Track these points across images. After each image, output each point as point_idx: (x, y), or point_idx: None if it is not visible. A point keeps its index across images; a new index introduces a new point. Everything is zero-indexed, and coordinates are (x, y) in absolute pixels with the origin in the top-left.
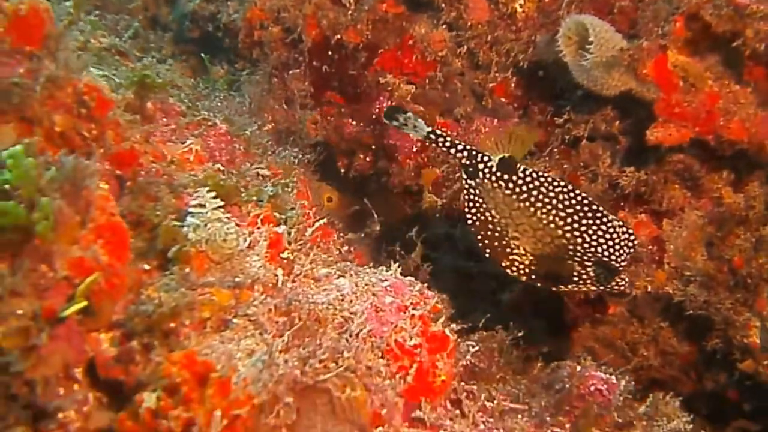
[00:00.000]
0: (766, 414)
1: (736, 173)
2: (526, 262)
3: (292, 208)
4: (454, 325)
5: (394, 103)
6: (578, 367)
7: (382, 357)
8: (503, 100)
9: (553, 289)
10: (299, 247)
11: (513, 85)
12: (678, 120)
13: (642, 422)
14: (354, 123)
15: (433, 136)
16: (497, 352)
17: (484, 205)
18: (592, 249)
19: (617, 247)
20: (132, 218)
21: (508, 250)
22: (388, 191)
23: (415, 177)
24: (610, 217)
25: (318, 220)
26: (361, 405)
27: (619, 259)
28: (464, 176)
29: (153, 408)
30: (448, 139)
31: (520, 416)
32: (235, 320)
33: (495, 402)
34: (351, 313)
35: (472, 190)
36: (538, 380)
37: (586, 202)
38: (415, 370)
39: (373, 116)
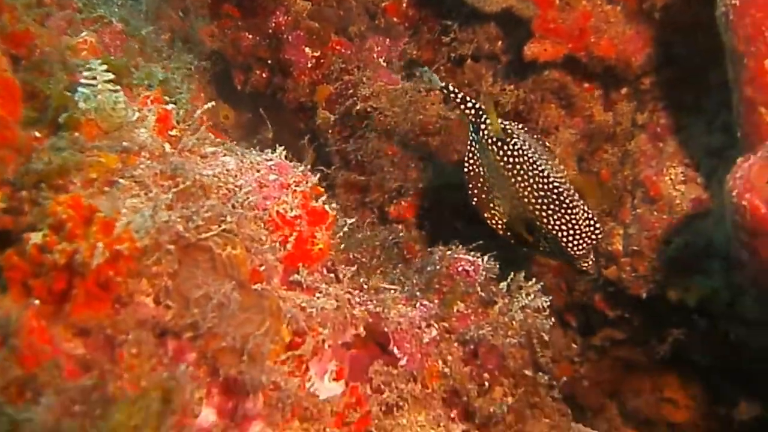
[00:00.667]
0: (629, 322)
1: (606, 90)
2: (503, 220)
3: (181, 93)
4: (335, 204)
5: (290, 19)
6: (448, 251)
7: (264, 227)
8: (395, 19)
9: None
10: (187, 126)
11: (404, 4)
12: (553, 36)
13: (504, 299)
14: (251, 37)
15: (446, 91)
16: (379, 249)
17: (479, 161)
18: (554, 233)
19: (577, 237)
20: (25, 90)
21: (491, 204)
22: (283, 108)
23: (309, 94)
24: (578, 210)
25: (207, 103)
26: (240, 262)
27: (576, 249)
28: (470, 130)
29: (39, 244)
30: (460, 94)
31: (393, 292)
32: (121, 181)
33: (371, 282)
34: (236, 186)
35: (474, 144)
36: (413, 266)
37: (557, 191)
38: (294, 238)
39: (270, 30)
